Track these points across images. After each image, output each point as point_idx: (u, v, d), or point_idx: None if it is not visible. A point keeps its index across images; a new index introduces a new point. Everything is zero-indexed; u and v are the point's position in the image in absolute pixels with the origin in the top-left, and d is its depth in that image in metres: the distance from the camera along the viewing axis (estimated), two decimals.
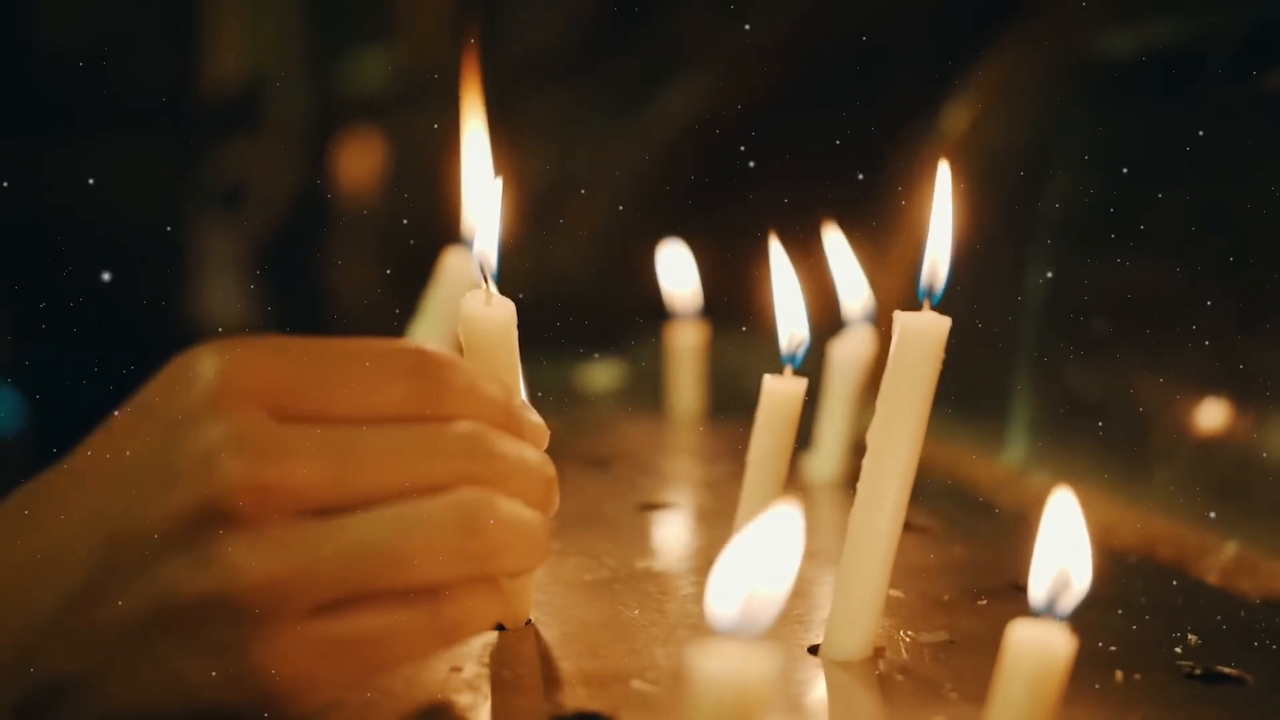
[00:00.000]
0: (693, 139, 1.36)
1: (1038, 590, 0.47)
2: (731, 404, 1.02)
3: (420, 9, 1.77)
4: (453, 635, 0.47)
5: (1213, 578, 0.70)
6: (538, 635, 0.57)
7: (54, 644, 0.45)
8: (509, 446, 0.49)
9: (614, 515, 0.75)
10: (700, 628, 0.58)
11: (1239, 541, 0.74)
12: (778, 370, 0.64)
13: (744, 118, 1.26)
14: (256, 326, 1.66)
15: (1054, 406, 0.91)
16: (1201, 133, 0.86)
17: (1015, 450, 0.89)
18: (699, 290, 1.00)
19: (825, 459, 0.83)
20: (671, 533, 0.73)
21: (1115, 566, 0.69)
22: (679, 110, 1.40)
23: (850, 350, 0.82)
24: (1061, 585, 0.47)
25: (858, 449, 0.84)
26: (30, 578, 0.45)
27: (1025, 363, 0.92)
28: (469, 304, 0.53)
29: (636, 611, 0.60)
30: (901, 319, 0.55)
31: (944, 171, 0.56)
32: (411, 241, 1.68)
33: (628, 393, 1.13)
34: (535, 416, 0.52)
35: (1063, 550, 0.47)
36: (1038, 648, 0.45)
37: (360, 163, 1.76)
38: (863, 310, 0.82)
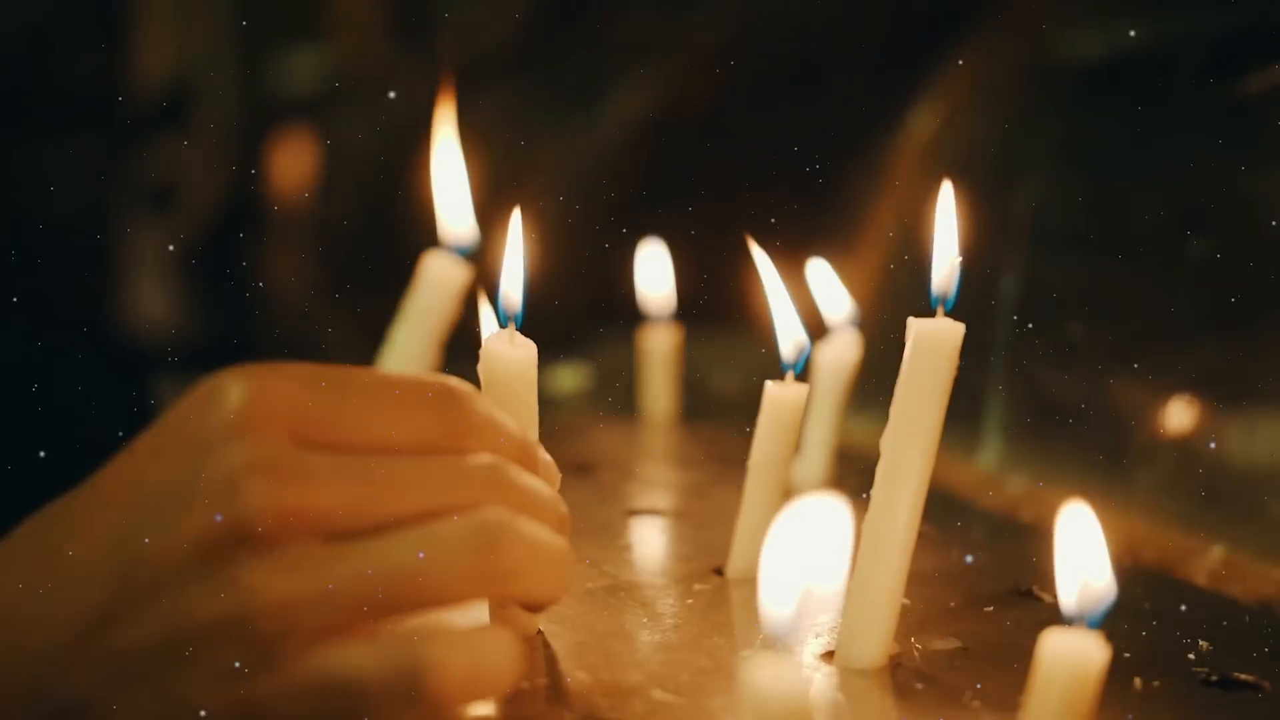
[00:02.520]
0: (645, 139, 1.36)
1: (1067, 599, 0.47)
2: (702, 407, 1.02)
3: (352, 7, 1.75)
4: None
5: (1201, 582, 0.71)
6: (547, 645, 0.56)
7: (69, 669, 0.45)
8: (527, 479, 0.49)
9: (605, 522, 0.74)
10: (712, 637, 0.57)
11: (1224, 545, 0.74)
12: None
13: (702, 118, 1.25)
14: (187, 327, 1.64)
15: (1028, 410, 0.91)
16: (1174, 136, 0.87)
17: (990, 453, 0.90)
18: (673, 292, 0.99)
19: (810, 463, 0.82)
20: (666, 539, 0.72)
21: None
22: (627, 110, 1.40)
23: (834, 355, 0.82)
24: (1090, 593, 0.47)
25: (842, 453, 0.85)
26: (47, 603, 0.45)
27: (999, 366, 0.92)
28: (491, 343, 0.54)
29: (645, 620, 0.59)
30: (915, 326, 0.55)
31: (947, 185, 0.56)
32: (347, 241, 1.67)
33: (593, 396, 1.13)
34: (547, 456, 0.53)
35: (1085, 558, 0.47)
36: (1071, 657, 0.45)
37: (293, 162, 1.74)
38: (846, 315, 0.82)
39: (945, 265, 0.56)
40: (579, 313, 1.22)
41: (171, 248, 1.70)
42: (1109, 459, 0.84)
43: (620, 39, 1.45)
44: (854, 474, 0.84)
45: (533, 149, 1.37)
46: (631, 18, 1.45)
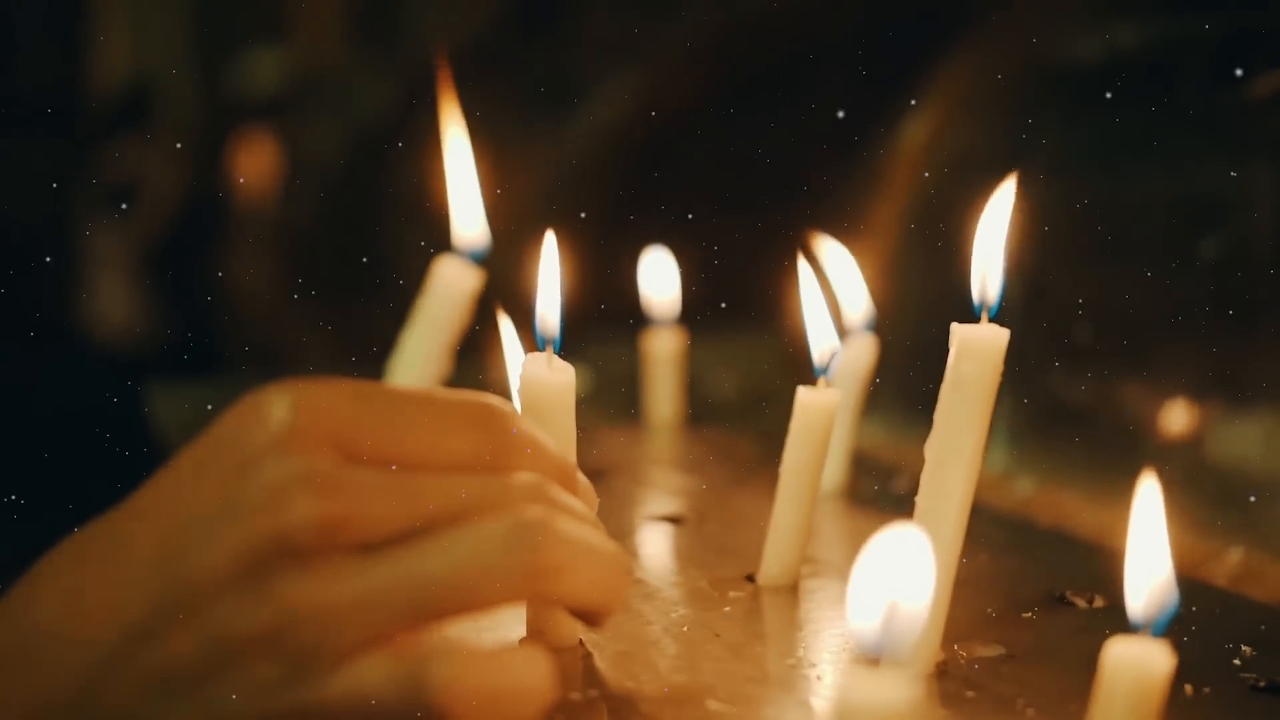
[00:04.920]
0: (618, 142, 1.35)
1: (1134, 605, 0.46)
2: (704, 411, 1.02)
3: (312, 8, 1.74)
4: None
5: (1221, 584, 0.71)
6: (588, 655, 0.56)
7: (110, 684, 0.44)
8: (567, 497, 0.49)
9: (625, 529, 0.74)
10: (754, 645, 0.57)
11: (1242, 547, 0.75)
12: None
13: (700, 119, 1.25)
14: (148, 328, 1.63)
15: (1034, 412, 0.92)
16: (1177, 138, 0.88)
17: (997, 455, 0.90)
18: (678, 297, 0.99)
19: (826, 468, 0.82)
20: (689, 545, 0.72)
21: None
22: (619, 111, 1.39)
23: (851, 359, 0.81)
24: (1155, 600, 0.46)
25: (858, 459, 0.84)
26: (89, 618, 0.45)
27: (1005, 368, 0.92)
28: (530, 366, 0.54)
29: (686, 629, 0.59)
30: (959, 331, 0.55)
31: (1009, 184, 0.56)
32: (311, 241, 1.66)
33: (595, 401, 1.12)
34: (585, 479, 0.53)
35: (1152, 565, 0.47)
36: (1137, 665, 0.45)
37: (255, 162, 1.73)
38: (863, 319, 0.81)
39: (989, 270, 0.56)
40: (580, 317, 1.22)
41: (132, 249, 1.68)
42: (1118, 460, 0.85)
43: (608, 39, 1.44)
44: (869, 478, 0.84)
45: (523, 150, 1.36)
46: (618, 18, 1.45)
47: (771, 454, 0.91)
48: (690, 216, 1.12)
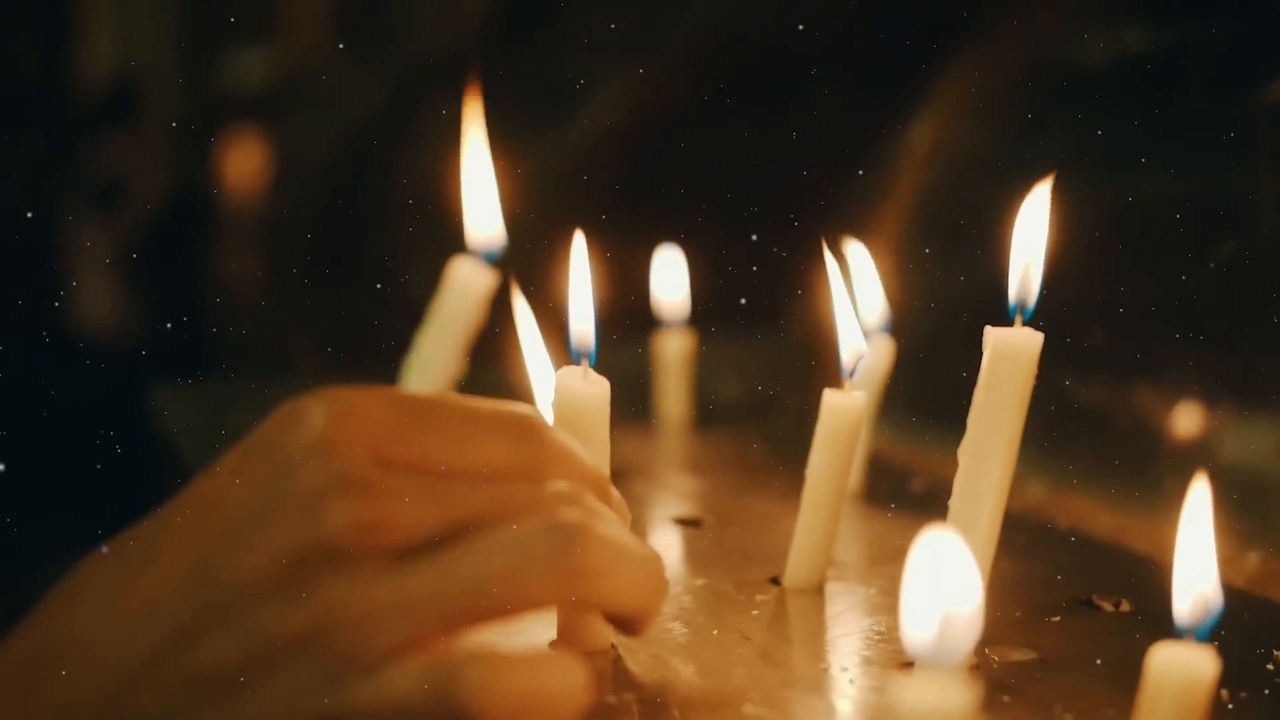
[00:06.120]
0: (625, 143, 1.35)
1: (1181, 611, 0.46)
2: (711, 412, 1.02)
3: (300, 6, 1.74)
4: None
5: (1241, 587, 0.71)
6: (620, 658, 0.55)
7: (145, 689, 0.44)
8: (602, 506, 0.49)
9: (646, 531, 0.74)
10: (784, 649, 0.57)
11: (1260, 551, 0.75)
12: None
13: (708, 119, 1.25)
14: (132, 325, 1.62)
15: (1046, 415, 0.91)
16: (1188, 140, 0.88)
17: None
18: (688, 298, 0.99)
19: None
20: (710, 548, 0.72)
21: (1157, 576, 0.69)
22: (608, 114, 1.39)
23: (867, 360, 0.81)
24: (1201, 606, 0.46)
25: (874, 461, 0.84)
26: (125, 623, 0.45)
27: None
28: (565, 380, 0.54)
29: (715, 632, 0.58)
30: (993, 335, 0.55)
31: (1044, 189, 0.56)
32: (299, 239, 1.65)
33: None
34: (619, 494, 0.53)
35: (1198, 570, 0.47)
36: (1182, 671, 0.44)
37: (243, 160, 1.72)
38: (880, 320, 0.81)
39: (1025, 272, 0.55)
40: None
41: (117, 246, 1.68)
42: (1132, 464, 0.85)
43: (609, 38, 1.44)
44: (884, 480, 0.84)
45: (527, 150, 1.36)
46: (620, 16, 1.44)
47: (782, 456, 0.91)
48: (699, 218, 1.11)
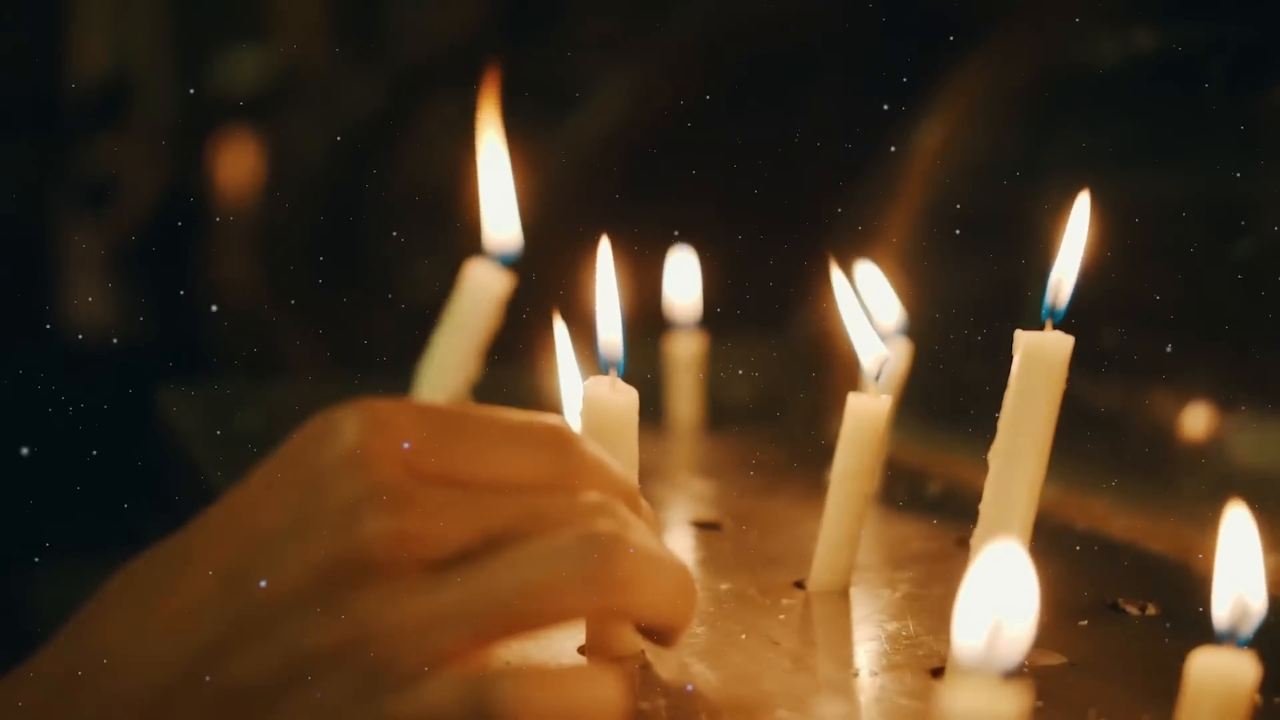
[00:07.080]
0: (622, 147, 1.35)
1: (1221, 615, 0.46)
2: (723, 415, 1.01)
3: (293, 6, 1.73)
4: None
5: None
6: (648, 664, 0.55)
7: (179, 703, 0.44)
8: (633, 517, 0.49)
9: (668, 535, 0.73)
10: (813, 654, 0.57)
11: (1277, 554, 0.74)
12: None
13: (716, 120, 1.25)
14: (124, 327, 1.61)
15: (1062, 416, 0.91)
16: (1201, 143, 0.88)
17: None
18: (700, 300, 0.99)
19: None
20: (736, 551, 0.71)
21: (1181, 579, 0.69)
22: (614, 114, 1.39)
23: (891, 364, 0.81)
24: (1241, 610, 0.46)
25: (890, 464, 0.84)
26: (160, 637, 0.45)
27: None
28: (592, 388, 0.54)
29: (743, 636, 0.58)
30: (1023, 338, 0.55)
31: (1084, 198, 0.56)
32: (293, 241, 1.65)
33: None
34: (648, 505, 0.53)
35: (1241, 573, 0.47)
36: (1222, 676, 0.44)
37: (236, 161, 1.72)
38: (897, 323, 0.81)
39: (1061, 277, 0.55)
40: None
41: (109, 245, 1.67)
42: (1148, 466, 0.84)
43: (612, 38, 1.44)
44: (901, 483, 0.83)
45: (531, 151, 1.35)
46: (623, 14, 1.44)
47: (796, 457, 0.91)
48: (711, 220, 1.11)
